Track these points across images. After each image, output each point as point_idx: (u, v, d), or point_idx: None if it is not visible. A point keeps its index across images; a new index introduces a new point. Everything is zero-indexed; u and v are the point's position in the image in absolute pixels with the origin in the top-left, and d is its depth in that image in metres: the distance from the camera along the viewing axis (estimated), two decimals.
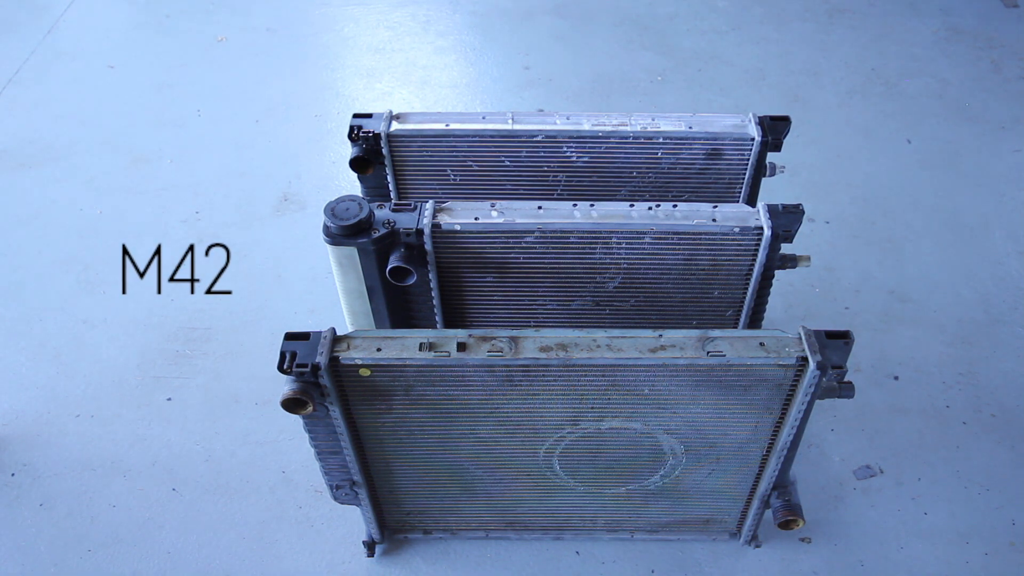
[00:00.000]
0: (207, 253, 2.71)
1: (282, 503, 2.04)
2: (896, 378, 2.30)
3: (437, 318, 1.88)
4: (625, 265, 1.78)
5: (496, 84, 3.48)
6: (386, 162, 1.95)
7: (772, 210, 1.70)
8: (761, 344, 1.44)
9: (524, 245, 1.74)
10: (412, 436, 1.62)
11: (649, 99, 3.36)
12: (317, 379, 1.43)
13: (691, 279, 1.81)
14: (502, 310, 1.90)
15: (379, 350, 1.44)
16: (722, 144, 1.90)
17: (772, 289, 1.86)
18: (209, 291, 2.58)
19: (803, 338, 1.44)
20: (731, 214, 1.71)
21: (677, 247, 1.74)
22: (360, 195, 2.02)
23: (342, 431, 1.56)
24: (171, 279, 2.62)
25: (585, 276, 1.81)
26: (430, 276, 1.78)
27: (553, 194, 2.01)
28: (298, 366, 1.41)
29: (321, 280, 2.58)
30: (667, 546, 1.95)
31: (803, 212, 1.70)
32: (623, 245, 1.73)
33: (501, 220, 1.70)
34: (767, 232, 1.68)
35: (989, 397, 2.25)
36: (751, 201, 1.98)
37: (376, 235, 1.66)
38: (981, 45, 3.62)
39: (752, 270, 1.78)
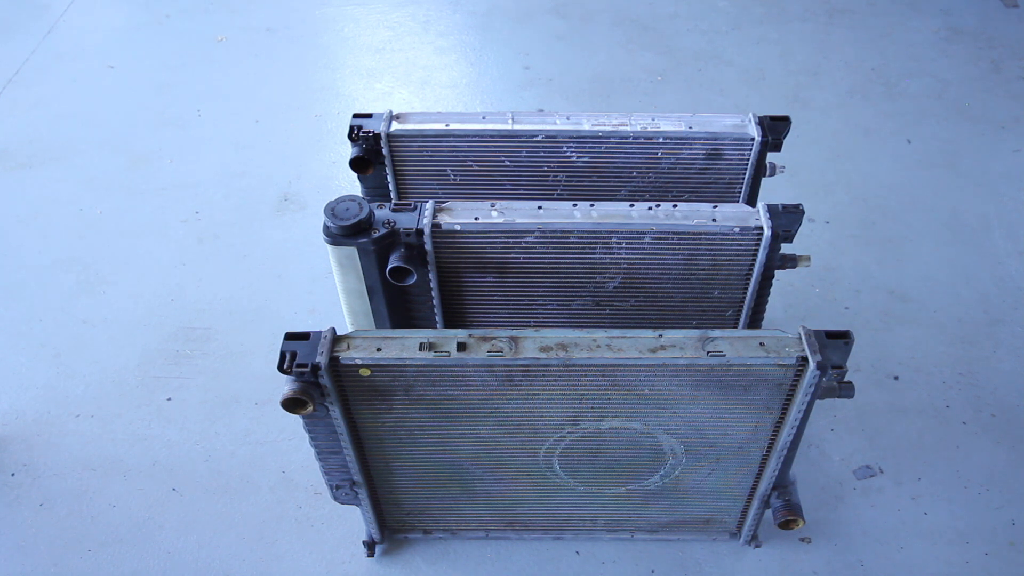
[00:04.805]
0: (207, 253, 2.71)
1: (282, 503, 2.04)
2: (896, 378, 2.30)
3: (437, 318, 1.88)
4: (625, 265, 1.78)
5: (496, 84, 3.48)
6: (386, 162, 1.95)
7: (772, 210, 1.70)
8: (761, 344, 1.44)
9: (524, 245, 1.74)
10: (412, 436, 1.62)
11: (649, 99, 3.36)
12: (317, 379, 1.43)
13: (691, 279, 1.81)
14: (502, 310, 1.90)
15: (379, 350, 1.44)
16: (722, 144, 1.90)
17: (772, 289, 1.86)
18: (209, 291, 2.58)
19: (803, 338, 1.44)
20: (731, 214, 1.71)
21: (677, 247, 1.74)
22: (360, 195, 2.02)
23: (342, 431, 1.56)
24: (171, 279, 2.62)
25: (585, 276, 1.81)
26: (430, 276, 1.78)
27: (553, 194, 2.01)
28: (298, 366, 1.41)
29: (321, 280, 2.58)
30: (667, 546, 1.95)
31: (803, 212, 1.70)
32: (623, 245, 1.73)
33: (501, 220, 1.70)
34: (767, 232, 1.68)
35: (989, 397, 2.25)
36: (751, 201, 1.98)
37: (376, 235, 1.66)
38: (981, 45, 3.62)
39: (752, 270, 1.78)
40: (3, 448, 2.16)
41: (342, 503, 1.77)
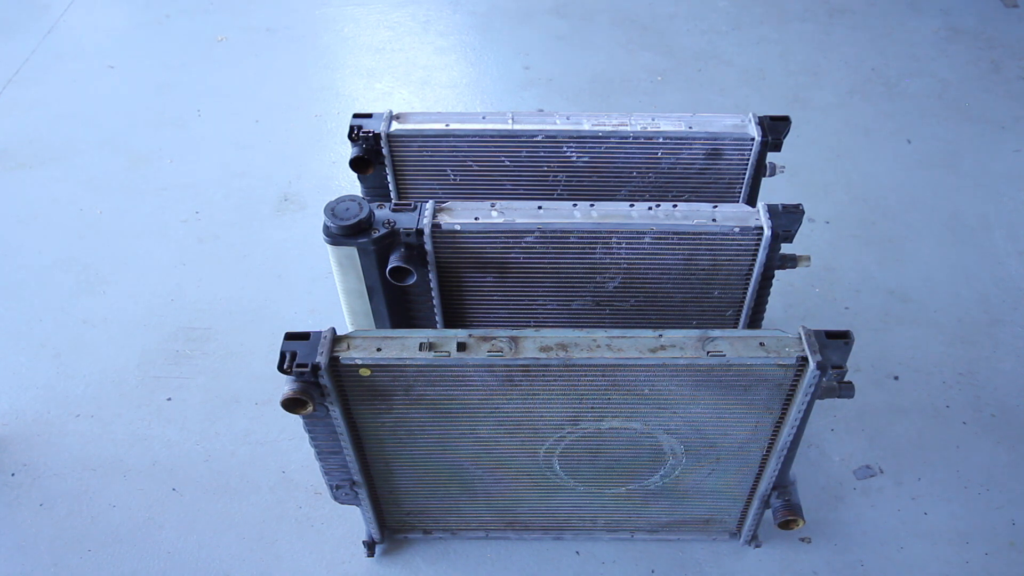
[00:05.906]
0: (207, 253, 2.71)
1: (282, 503, 2.04)
2: (896, 378, 2.30)
3: (437, 318, 1.88)
4: (625, 265, 1.78)
5: (496, 84, 3.48)
6: (386, 162, 1.95)
7: (772, 210, 1.70)
8: (761, 344, 1.44)
9: (524, 245, 1.74)
10: (412, 436, 1.62)
11: (649, 99, 3.36)
12: (317, 379, 1.43)
13: (691, 279, 1.81)
14: (502, 310, 1.90)
15: (379, 350, 1.44)
16: (722, 144, 1.90)
17: (772, 289, 1.86)
18: (209, 291, 2.58)
19: (803, 338, 1.44)
20: (731, 214, 1.71)
21: (677, 247, 1.74)
22: (360, 195, 2.02)
23: (342, 431, 1.56)
24: (171, 279, 2.62)
25: (585, 276, 1.81)
26: (430, 276, 1.78)
27: (553, 194, 2.01)
28: (298, 366, 1.41)
29: (321, 280, 2.58)
30: (667, 546, 1.95)
31: (803, 212, 1.70)
32: (623, 245, 1.73)
33: (501, 220, 1.70)
34: (767, 232, 1.68)
35: (989, 397, 2.25)
36: (751, 201, 1.98)
37: (376, 235, 1.66)
38: (981, 45, 3.62)
39: (752, 270, 1.78)
40: (3, 448, 2.16)
41: (342, 503, 1.77)
